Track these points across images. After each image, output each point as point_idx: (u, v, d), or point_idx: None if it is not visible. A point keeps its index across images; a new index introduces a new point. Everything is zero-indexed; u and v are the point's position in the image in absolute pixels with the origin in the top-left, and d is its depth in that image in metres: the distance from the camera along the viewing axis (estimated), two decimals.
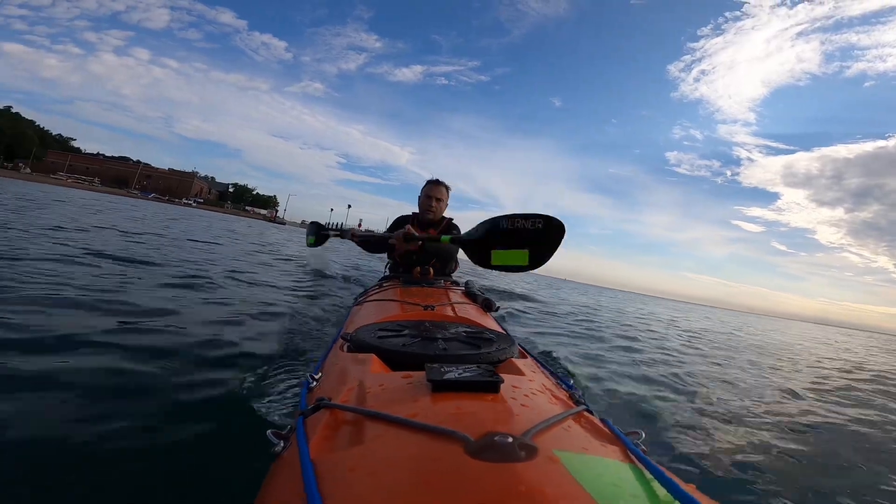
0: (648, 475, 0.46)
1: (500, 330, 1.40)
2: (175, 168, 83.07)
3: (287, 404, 1.35)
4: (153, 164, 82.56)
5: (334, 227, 2.84)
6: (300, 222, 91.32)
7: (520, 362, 0.94)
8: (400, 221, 2.50)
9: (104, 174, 72.24)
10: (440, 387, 0.62)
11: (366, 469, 0.45)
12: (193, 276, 3.41)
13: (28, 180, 37.90)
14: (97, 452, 1.04)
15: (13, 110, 67.97)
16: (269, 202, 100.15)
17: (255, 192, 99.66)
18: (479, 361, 0.89)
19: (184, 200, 68.59)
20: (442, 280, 2.23)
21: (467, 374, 0.65)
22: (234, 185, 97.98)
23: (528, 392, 0.69)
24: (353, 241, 2.34)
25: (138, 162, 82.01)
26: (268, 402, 1.37)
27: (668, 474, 0.45)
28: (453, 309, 1.47)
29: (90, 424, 1.13)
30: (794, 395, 3.21)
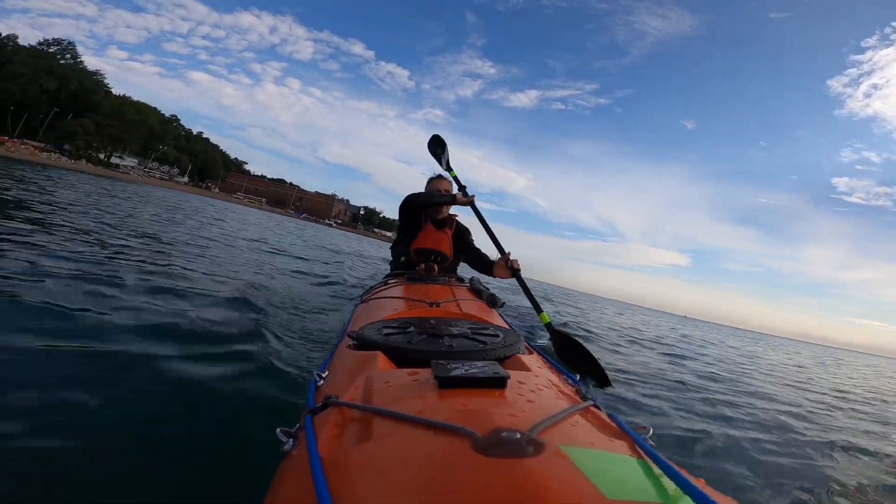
0: (657, 469, 0.46)
1: (506, 326, 1.40)
2: (320, 191, 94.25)
3: (296, 402, 1.35)
4: (303, 187, 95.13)
5: None
6: None
7: (526, 358, 0.94)
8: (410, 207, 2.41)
9: (268, 195, 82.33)
10: (447, 383, 0.63)
11: (375, 467, 0.45)
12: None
13: (216, 198, 47.21)
14: (105, 447, 1.04)
15: (204, 135, 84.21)
16: (395, 225, 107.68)
17: (381, 215, 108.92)
18: (485, 358, 0.88)
19: (325, 221, 77.46)
20: (447, 277, 2.23)
21: (473, 370, 0.65)
22: (365, 208, 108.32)
23: (535, 388, 0.69)
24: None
25: (292, 185, 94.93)
26: (276, 399, 1.39)
27: (677, 468, 0.45)
28: (458, 306, 1.47)
29: (95, 418, 1.14)
30: None
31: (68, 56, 51.60)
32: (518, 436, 0.45)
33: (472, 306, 1.52)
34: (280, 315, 2.42)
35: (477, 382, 0.63)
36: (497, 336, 1.04)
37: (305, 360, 1.80)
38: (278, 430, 0.62)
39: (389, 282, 2.09)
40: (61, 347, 1.48)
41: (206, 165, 77.60)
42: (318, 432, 0.55)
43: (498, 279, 2.32)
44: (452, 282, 2.14)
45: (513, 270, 2.08)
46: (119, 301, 2.04)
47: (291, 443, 0.59)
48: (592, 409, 0.68)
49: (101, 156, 49.91)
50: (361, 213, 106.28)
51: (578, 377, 0.96)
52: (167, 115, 68.71)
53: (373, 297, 1.76)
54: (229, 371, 1.55)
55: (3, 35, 47.86)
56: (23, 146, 39.68)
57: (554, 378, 0.85)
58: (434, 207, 2.40)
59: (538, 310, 1.86)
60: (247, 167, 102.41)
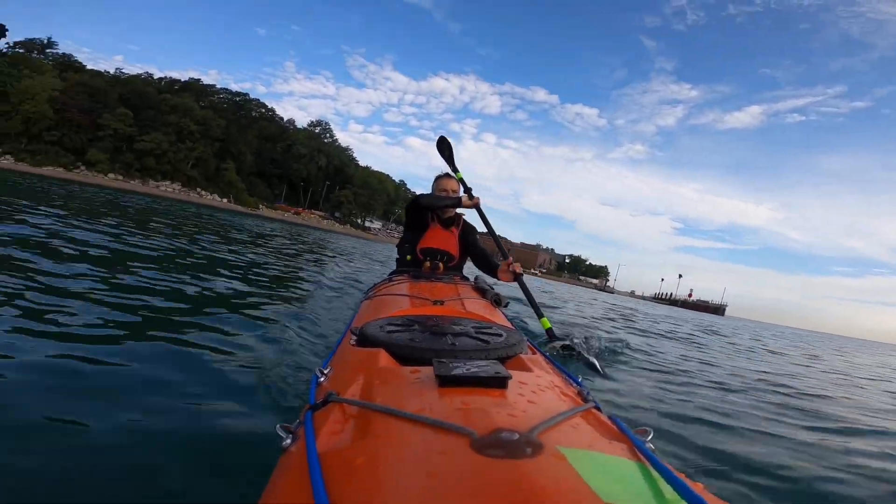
0: (655, 473, 0.46)
1: (510, 325, 1.38)
2: (525, 241, 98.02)
3: (298, 397, 1.36)
4: (509, 238, 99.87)
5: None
6: (629, 292, 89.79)
7: (528, 358, 0.93)
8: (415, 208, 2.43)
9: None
10: (448, 382, 0.63)
11: (372, 464, 0.45)
12: None
13: None
14: (100, 441, 1.05)
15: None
16: (601, 272, 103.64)
17: (587, 263, 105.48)
18: (488, 357, 0.88)
19: (531, 270, 79.49)
20: (452, 275, 2.21)
21: (475, 369, 0.65)
22: (570, 255, 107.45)
23: (536, 388, 0.69)
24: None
25: (500, 237, 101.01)
26: (278, 395, 1.39)
27: (676, 473, 0.45)
28: (462, 304, 1.45)
29: (93, 411, 1.15)
30: None
31: (328, 135, 64.69)
32: (517, 436, 0.45)
33: (476, 305, 1.50)
34: None
35: (478, 382, 0.63)
36: (500, 335, 1.03)
37: (308, 354, 1.85)
38: (278, 425, 0.62)
39: (394, 279, 2.06)
40: None
41: None
42: (317, 428, 0.56)
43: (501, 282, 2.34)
44: (457, 280, 2.12)
45: (515, 275, 2.10)
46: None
47: (291, 439, 0.59)
48: (594, 411, 0.67)
49: (359, 220, 62.56)
50: (567, 260, 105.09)
51: (580, 378, 0.94)
52: (397, 180, 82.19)
53: (378, 293, 1.76)
54: (233, 366, 1.59)
55: (285, 119, 62.88)
56: (311, 215, 53.64)
57: (556, 379, 0.84)
58: (444, 208, 2.41)
59: (539, 314, 1.92)
60: None
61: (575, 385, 0.88)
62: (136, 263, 3.30)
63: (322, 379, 0.82)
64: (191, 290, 2.82)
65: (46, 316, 1.79)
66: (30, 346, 1.48)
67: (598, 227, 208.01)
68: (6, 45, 43.34)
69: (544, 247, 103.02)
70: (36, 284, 2.21)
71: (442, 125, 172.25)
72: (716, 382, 2.96)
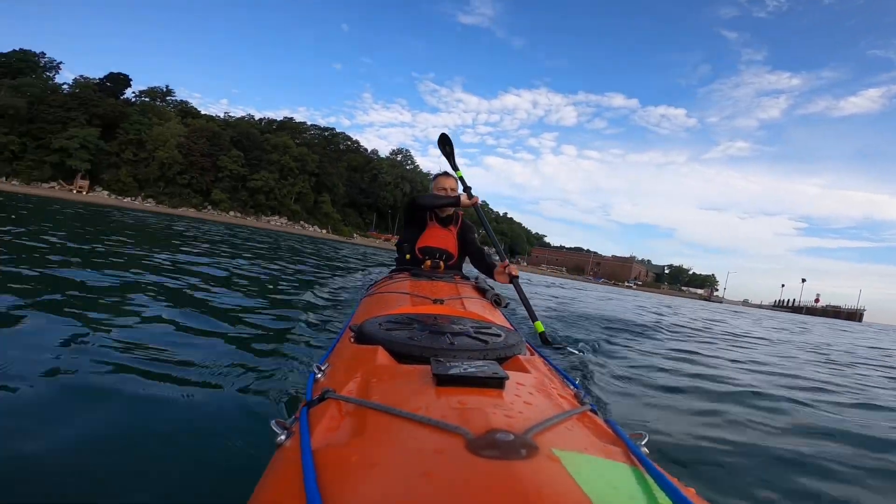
0: (648, 477, 0.46)
1: (509, 326, 1.36)
2: (616, 254, 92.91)
3: (295, 393, 1.37)
4: (599, 252, 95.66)
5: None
6: (741, 301, 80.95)
7: (526, 359, 0.92)
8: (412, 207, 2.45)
9: (567, 263, 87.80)
10: (445, 381, 0.63)
11: (366, 463, 0.45)
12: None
13: (524, 271, 52.41)
14: (92, 436, 1.06)
15: (508, 215, 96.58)
16: (707, 281, 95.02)
17: (690, 272, 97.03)
18: (486, 357, 0.87)
19: (625, 283, 74.94)
20: (452, 274, 2.22)
21: (472, 369, 0.65)
22: (670, 266, 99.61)
23: (533, 390, 0.69)
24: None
25: (589, 251, 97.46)
26: (275, 391, 1.42)
27: (669, 477, 0.45)
28: (462, 303, 1.43)
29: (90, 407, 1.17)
30: None
31: (409, 161, 66.70)
32: (512, 437, 0.45)
33: (475, 305, 1.49)
34: None
35: (475, 382, 0.63)
36: (499, 336, 1.02)
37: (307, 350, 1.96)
38: (272, 421, 0.62)
39: (395, 277, 2.08)
40: None
41: (514, 242, 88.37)
42: (312, 425, 0.56)
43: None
44: (457, 279, 2.12)
45: (510, 277, 2.09)
46: None
47: (286, 435, 0.59)
48: (589, 413, 0.67)
49: None
50: (666, 271, 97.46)
51: (578, 381, 0.92)
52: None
53: (377, 291, 1.76)
54: (231, 361, 1.68)
55: (369, 150, 65.45)
56: None
57: (553, 381, 0.84)
58: (443, 207, 2.40)
59: (533, 318, 1.86)
60: (546, 239, 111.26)
61: (572, 387, 0.87)
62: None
63: (319, 375, 0.82)
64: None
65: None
66: None
67: (700, 233, 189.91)
68: (133, 95, 49.36)
69: (639, 258, 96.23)
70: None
71: (519, 141, 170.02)
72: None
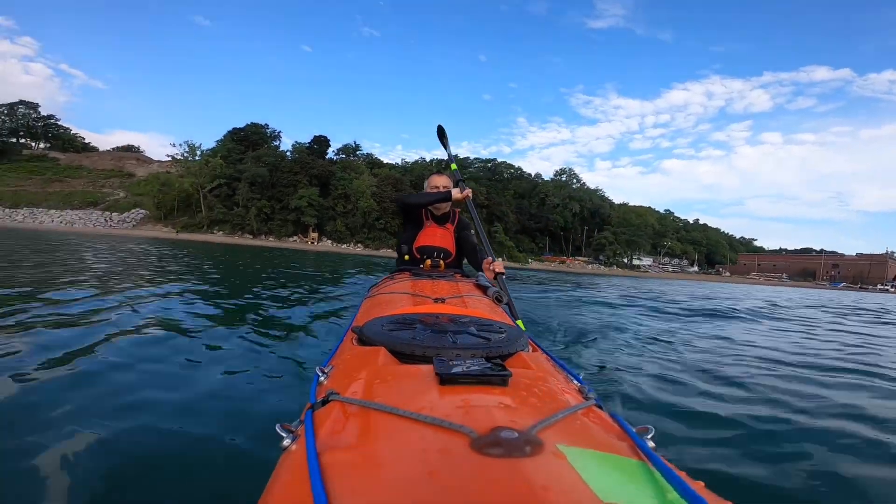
0: (655, 472, 0.45)
1: (511, 323, 1.30)
2: (861, 251, 72.74)
3: (299, 396, 1.38)
4: (838, 251, 76.13)
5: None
6: None
7: (529, 356, 0.90)
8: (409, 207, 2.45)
9: (790, 269, 74.09)
10: (448, 380, 0.63)
11: (371, 464, 0.45)
12: None
13: (725, 282, 44.82)
14: (99, 440, 1.09)
15: (700, 221, 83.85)
16: None
17: None
18: (489, 355, 0.84)
19: (878, 286, 57.66)
20: (453, 273, 2.21)
21: (475, 367, 0.65)
22: None
23: (537, 386, 0.68)
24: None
25: (822, 251, 78.40)
26: (280, 394, 1.48)
27: (676, 471, 0.44)
28: (464, 302, 1.40)
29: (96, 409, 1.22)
30: None
31: (574, 180, 65.35)
32: (516, 435, 0.45)
33: (477, 303, 1.49)
34: None
35: (478, 380, 0.63)
36: (501, 333, 1.00)
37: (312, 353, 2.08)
38: (277, 425, 0.61)
39: (396, 277, 2.07)
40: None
41: (711, 251, 77.00)
42: (317, 428, 0.56)
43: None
44: (458, 278, 2.10)
45: (495, 273, 1.99)
46: None
47: (291, 438, 0.59)
48: (594, 408, 0.66)
49: (625, 260, 59.57)
50: None
51: (582, 376, 0.89)
52: (661, 210, 74.36)
53: (379, 292, 1.75)
54: (233, 366, 1.77)
55: (532, 174, 66.21)
56: (575, 262, 54.46)
57: (557, 377, 0.83)
58: (433, 204, 2.36)
59: (514, 317, 1.73)
60: (756, 243, 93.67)
61: (576, 382, 0.85)
62: None
63: (322, 378, 0.82)
64: None
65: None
66: None
67: None
68: (333, 153, 57.37)
69: None
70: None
71: (701, 138, 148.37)
72: None
